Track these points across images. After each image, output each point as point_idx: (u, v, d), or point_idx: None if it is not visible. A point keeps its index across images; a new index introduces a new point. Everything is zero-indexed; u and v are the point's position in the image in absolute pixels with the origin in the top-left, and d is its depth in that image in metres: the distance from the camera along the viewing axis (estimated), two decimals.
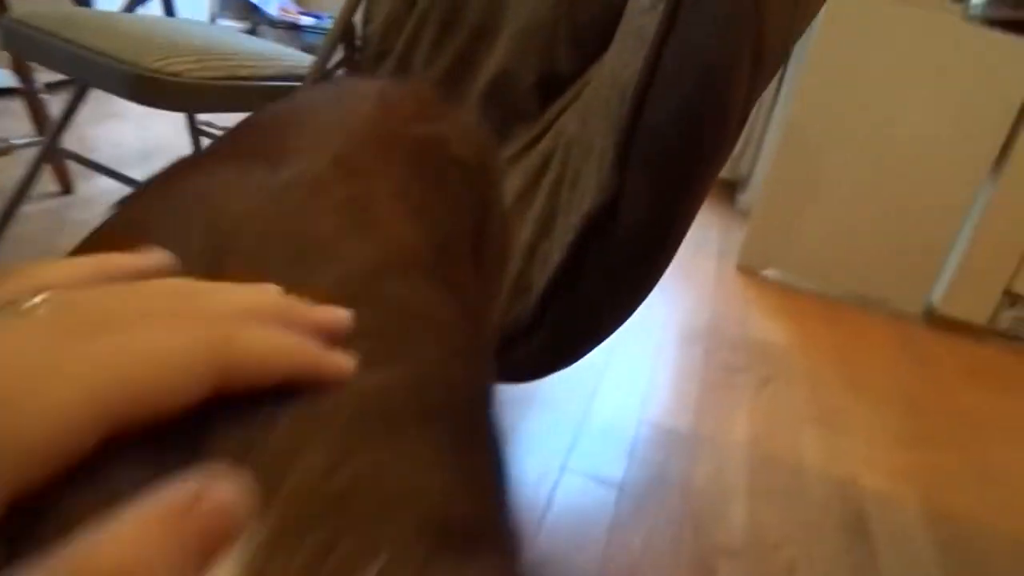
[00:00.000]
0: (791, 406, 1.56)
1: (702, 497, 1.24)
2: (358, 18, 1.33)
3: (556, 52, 1.20)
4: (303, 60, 1.37)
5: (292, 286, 0.30)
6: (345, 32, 1.33)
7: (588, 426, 1.36)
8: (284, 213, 0.37)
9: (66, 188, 1.84)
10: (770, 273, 2.26)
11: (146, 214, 0.37)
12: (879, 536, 1.24)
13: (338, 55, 1.35)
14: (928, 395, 1.73)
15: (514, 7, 1.22)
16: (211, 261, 0.32)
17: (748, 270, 2.26)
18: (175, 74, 1.12)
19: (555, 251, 0.97)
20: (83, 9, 1.31)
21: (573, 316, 0.98)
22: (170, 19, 1.45)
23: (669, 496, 1.23)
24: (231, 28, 1.50)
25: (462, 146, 0.63)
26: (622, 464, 1.27)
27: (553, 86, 1.21)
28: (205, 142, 1.84)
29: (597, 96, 1.02)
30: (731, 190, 3.09)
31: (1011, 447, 1.59)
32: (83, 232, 0.35)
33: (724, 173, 3.11)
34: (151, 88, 1.11)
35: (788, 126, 2.16)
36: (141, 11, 1.47)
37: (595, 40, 1.19)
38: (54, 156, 1.68)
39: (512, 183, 1.14)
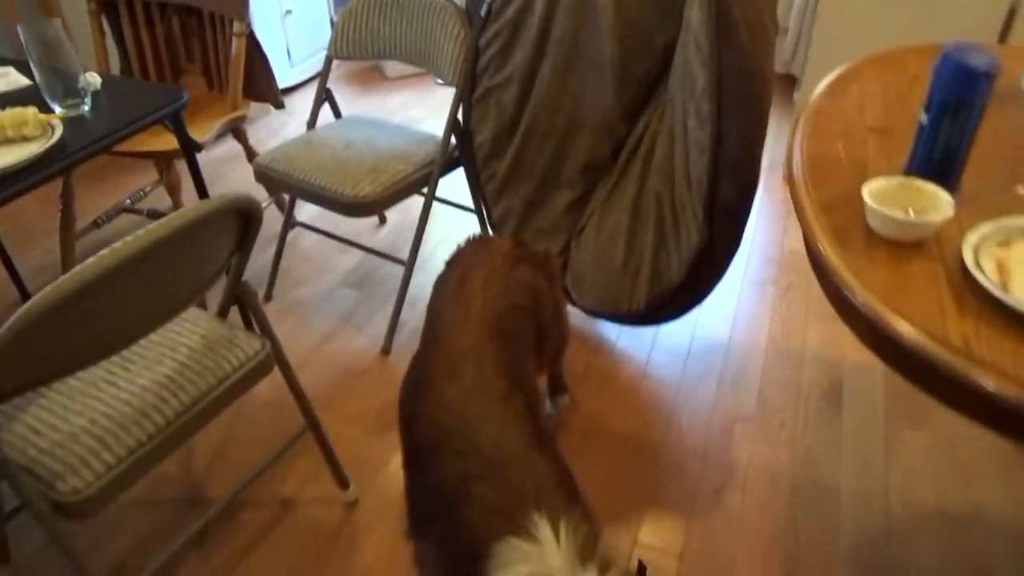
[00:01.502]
0: (805, 307, 2.21)
1: (730, 386, 1.96)
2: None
3: (618, 130, 1.93)
4: (430, 147, 2.08)
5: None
6: (454, 127, 2.03)
7: (658, 338, 2.10)
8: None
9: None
10: None
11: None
12: (848, 395, 1.91)
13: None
14: None
15: (586, 114, 1.92)
16: None
17: None
18: (366, 195, 1.89)
19: (674, 262, 1.81)
20: (296, 145, 2.11)
21: (696, 287, 1.85)
22: (343, 132, 2.15)
23: (708, 387, 1.96)
24: (375, 124, 2.25)
25: (541, 261, 1.48)
26: (680, 365, 2.02)
27: (617, 147, 1.97)
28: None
29: (671, 166, 1.79)
30: (792, 85, 3.50)
31: None
32: None
33: (785, 69, 3.51)
34: (355, 208, 1.90)
35: (820, 17, 2.48)
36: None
37: (640, 109, 1.92)
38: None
39: (615, 216, 1.94)
